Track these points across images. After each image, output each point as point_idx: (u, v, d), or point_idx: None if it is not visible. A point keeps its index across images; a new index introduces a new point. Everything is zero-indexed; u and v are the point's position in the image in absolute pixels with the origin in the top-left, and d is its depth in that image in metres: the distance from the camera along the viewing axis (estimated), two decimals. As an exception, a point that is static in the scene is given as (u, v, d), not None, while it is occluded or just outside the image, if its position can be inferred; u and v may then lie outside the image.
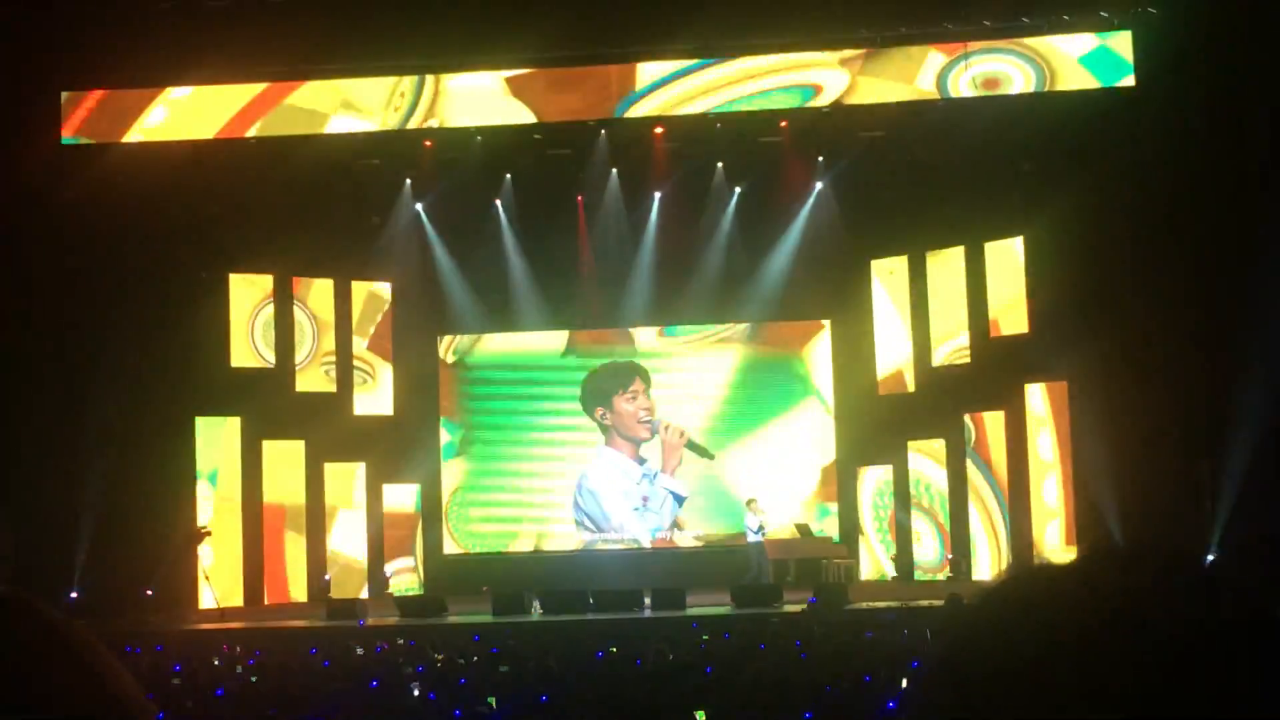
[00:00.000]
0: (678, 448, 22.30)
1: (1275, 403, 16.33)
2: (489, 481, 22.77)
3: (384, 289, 22.46)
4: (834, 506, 22.00)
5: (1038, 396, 19.64)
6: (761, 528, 20.04)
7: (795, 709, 6.78)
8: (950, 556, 20.40)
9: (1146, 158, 17.50)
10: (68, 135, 19.15)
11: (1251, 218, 16.85)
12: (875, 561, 21.50)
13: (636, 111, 19.32)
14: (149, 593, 18.46)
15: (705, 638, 12.83)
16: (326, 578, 20.86)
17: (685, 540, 22.16)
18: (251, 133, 19.22)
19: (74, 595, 18.35)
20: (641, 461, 22.37)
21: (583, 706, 6.99)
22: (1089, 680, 0.93)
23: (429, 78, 19.21)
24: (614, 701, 6.94)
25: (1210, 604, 0.96)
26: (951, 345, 20.82)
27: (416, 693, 9.04)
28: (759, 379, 22.56)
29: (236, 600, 19.94)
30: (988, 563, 20.05)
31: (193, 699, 9.23)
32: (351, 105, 19.29)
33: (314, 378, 21.57)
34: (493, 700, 7.41)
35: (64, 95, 19.20)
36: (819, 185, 21.60)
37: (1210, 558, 16.58)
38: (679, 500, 22.21)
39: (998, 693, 0.95)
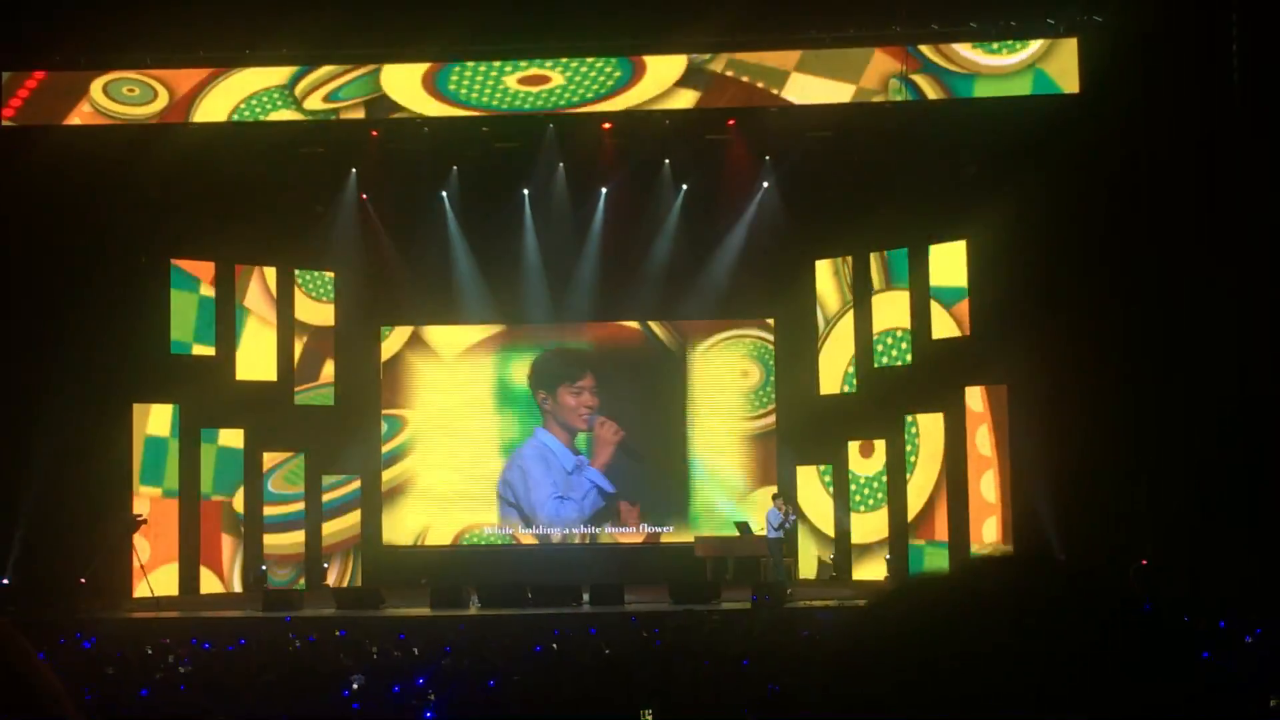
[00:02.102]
0: (610, 444, 22.32)
1: (1210, 408, 16.57)
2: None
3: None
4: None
5: (977, 399, 19.80)
6: (784, 524, 19.49)
7: (737, 707, 6.80)
8: (888, 558, 20.51)
9: (1089, 163, 17.69)
10: (8, 117, 18.88)
11: (1192, 224, 17.08)
12: (812, 560, 21.56)
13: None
14: (82, 581, 18.24)
15: (644, 634, 12.82)
16: (263, 568, 20.72)
17: (612, 534, 22.17)
18: (194, 117, 19.07)
19: (4, 582, 18.11)
20: (576, 451, 22.37)
21: (524, 702, 6.98)
22: (973, 680, 0.98)
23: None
24: (556, 697, 6.93)
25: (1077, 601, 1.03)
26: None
27: (356, 686, 8.97)
28: (701, 374, 22.60)
29: (172, 590, 19.76)
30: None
31: (124, 689, 9.12)
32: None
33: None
34: (431, 695, 7.39)
35: (4, 76, 18.95)
36: (765, 184, 21.67)
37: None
38: (604, 495, 22.20)
39: (890, 693, 1.01)
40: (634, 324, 22.69)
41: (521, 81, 19.10)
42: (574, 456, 22.35)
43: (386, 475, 22.53)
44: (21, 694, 1.14)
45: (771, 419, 22.43)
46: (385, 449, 22.59)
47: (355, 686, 8.76)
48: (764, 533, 21.08)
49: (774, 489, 21.06)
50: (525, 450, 22.41)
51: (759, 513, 21.06)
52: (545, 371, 22.60)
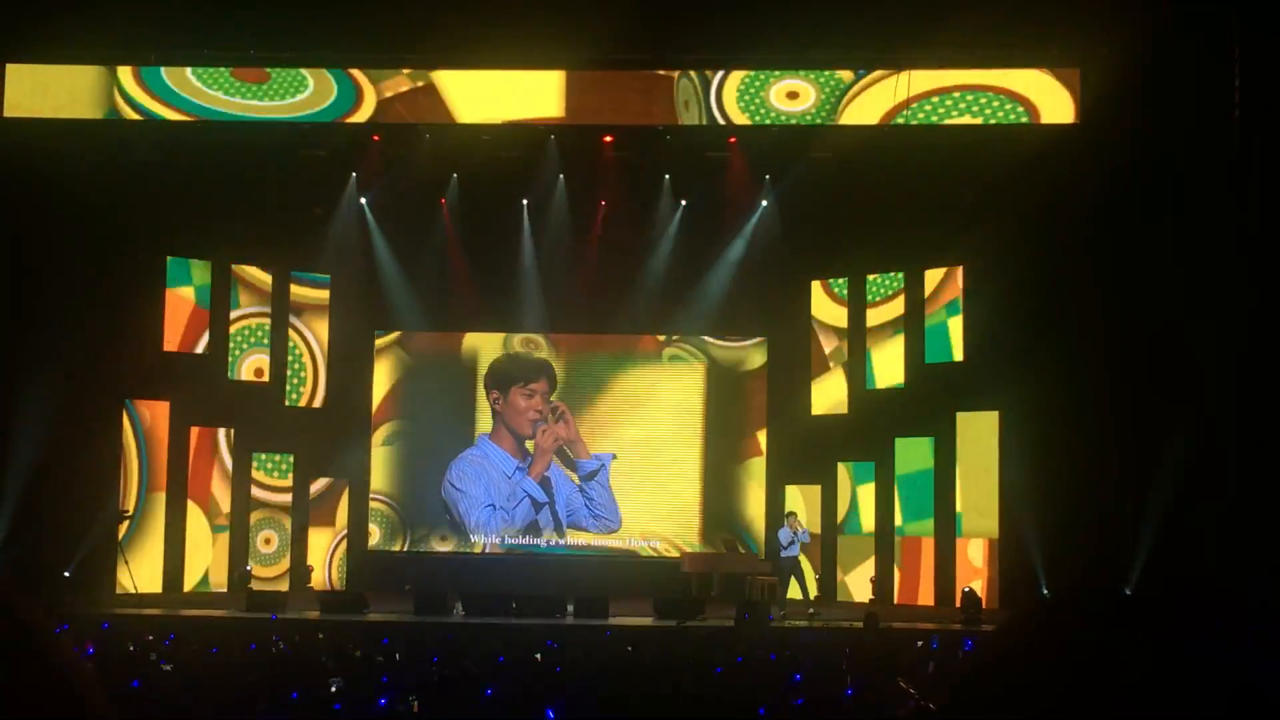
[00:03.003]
0: (547, 452, 22.22)
1: (1201, 437, 16.58)
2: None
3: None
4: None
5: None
6: (795, 542, 19.02)
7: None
8: (873, 579, 20.51)
9: (1087, 192, 17.73)
10: (10, 109, 18.86)
11: (1187, 256, 17.11)
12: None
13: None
14: (66, 575, 18.22)
15: (630, 648, 12.82)
16: (248, 568, 20.68)
17: (599, 546, 22.13)
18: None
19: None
20: (525, 456, 22.33)
21: (512, 711, 6.98)
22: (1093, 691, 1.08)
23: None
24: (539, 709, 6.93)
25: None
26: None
27: (335, 690, 8.96)
28: (693, 390, 22.59)
29: (156, 587, 19.75)
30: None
31: (107, 685, 9.09)
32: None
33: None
34: (414, 701, 7.39)
35: (8, 68, 18.96)
36: (764, 203, 21.70)
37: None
38: (536, 505, 22.15)
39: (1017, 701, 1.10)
40: (625, 335, 22.70)
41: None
42: (513, 461, 22.27)
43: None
44: (51, 676, 1.15)
45: (763, 436, 22.40)
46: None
47: (334, 689, 8.76)
48: (746, 550, 21.18)
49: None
50: (462, 463, 22.33)
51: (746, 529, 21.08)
52: (500, 372, 22.55)
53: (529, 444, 22.28)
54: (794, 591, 19.07)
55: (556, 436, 22.15)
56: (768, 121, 18.94)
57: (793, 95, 18.77)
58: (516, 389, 22.38)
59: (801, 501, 21.08)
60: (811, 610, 18.25)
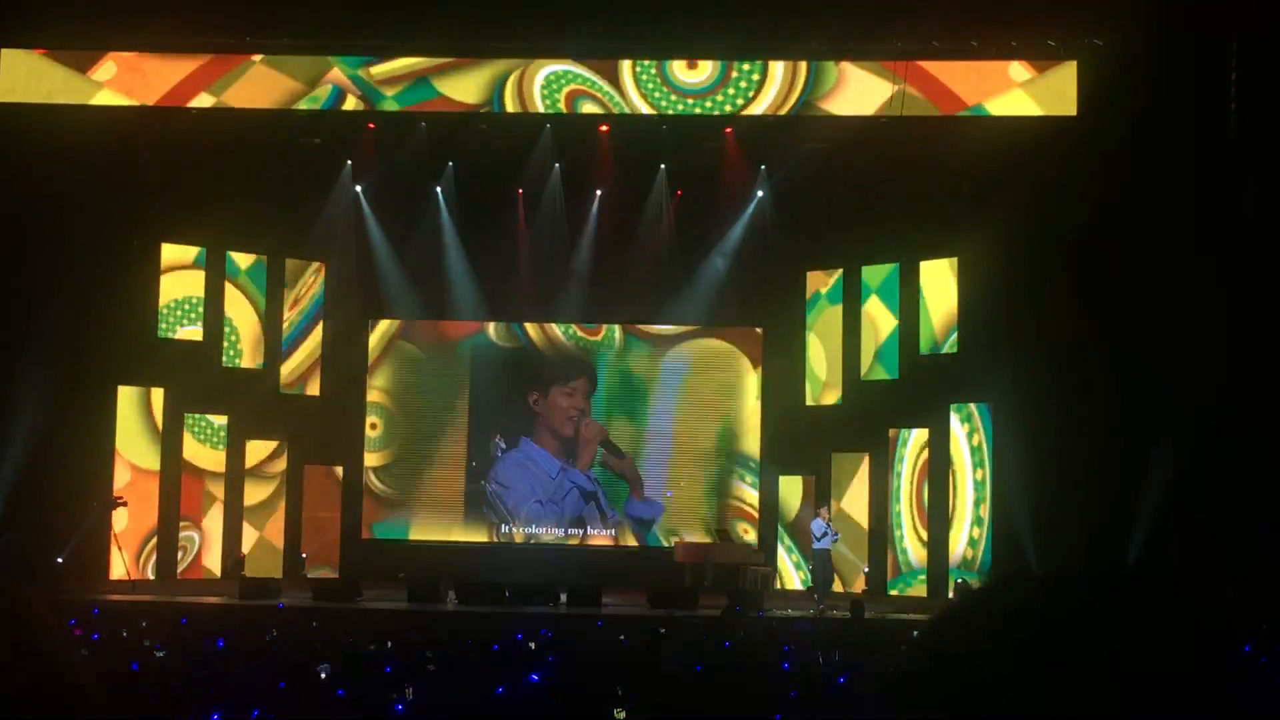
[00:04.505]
0: (593, 443, 22.32)
1: (1196, 430, 16.61)
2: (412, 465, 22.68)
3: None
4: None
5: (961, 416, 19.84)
6: (827, 534, 18.88)
7: (714, 711, 6.82)
8: (866, 570, 20.52)
9: (1082, 184, 17.73)
10: (3, 95, 18.81)
11: (1182, 248, 17.12)
12: (793, 570, 21.57)
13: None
14: (59, 561, 18.19)
15: (622, 637, 12.82)
16: (241, 556, 20.67)
17: (594, 537, 22.17)
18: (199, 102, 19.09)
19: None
20: (567, 456, 22.35)
21: (504, 702, 6.99)
22: (1045, 680, 1.03)
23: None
24: (537, 696, 6.94)
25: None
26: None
27: (324, 676, 8.96)
28: (689, 380, 22.58)
29: (148, 573, 19.74)
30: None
31: (98, 671, 9.07)
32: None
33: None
34: (409, 690, 7.40)
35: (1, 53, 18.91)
36: (760, 193, 21.67)
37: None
38: (585, 495, 22.19)
39: (968, 690, 1.05)
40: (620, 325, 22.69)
41: None
42: (558, 462, 22.31)
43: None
44: (48, 665, 1.16)
45: (757, 425, 22.42)
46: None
47: (323, 676, 8.76)
48: (746, 540, 21.19)
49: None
50: (506, 463, 22.37)
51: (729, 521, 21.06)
52: (540, 372, 22.58)
53: (567, 446, 22.40)
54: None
55: (601, 428, 22.30)
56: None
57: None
58: (557, 388, 22.44)
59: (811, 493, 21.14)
60: (812, 609, 18.25)
